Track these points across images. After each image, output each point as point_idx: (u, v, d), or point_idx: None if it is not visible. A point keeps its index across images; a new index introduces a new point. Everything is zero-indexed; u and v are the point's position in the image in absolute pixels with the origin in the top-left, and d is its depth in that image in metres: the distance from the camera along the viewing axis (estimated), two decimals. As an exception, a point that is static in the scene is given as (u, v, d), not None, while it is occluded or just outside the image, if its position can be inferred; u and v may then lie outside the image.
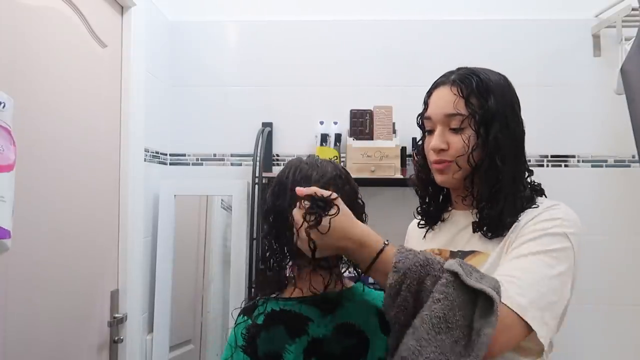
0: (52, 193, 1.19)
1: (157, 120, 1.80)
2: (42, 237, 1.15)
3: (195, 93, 1.95)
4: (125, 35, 1.55)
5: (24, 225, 1.04)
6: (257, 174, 1.73)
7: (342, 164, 1.81)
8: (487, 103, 0.88)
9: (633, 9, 1.69)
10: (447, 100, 0.91)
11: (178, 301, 1.78)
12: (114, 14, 1.51)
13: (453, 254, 0.93)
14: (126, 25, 1.55)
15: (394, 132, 1.78)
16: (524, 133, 0.93)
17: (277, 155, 1.92)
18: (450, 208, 1.01)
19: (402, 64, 1.92)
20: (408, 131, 1.84)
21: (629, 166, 1.88)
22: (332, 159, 1.75)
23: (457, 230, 0.96)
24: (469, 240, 0.92)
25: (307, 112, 1.90)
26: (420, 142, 1.01)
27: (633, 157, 1.85)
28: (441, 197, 1.03)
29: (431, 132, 0.94)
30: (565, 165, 1.89)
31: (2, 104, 0.76)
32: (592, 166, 1.89)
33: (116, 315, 1.47)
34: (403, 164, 1.79)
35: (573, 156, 1.89)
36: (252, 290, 0.95)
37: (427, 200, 1.03)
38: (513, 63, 1.90)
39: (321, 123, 1.83)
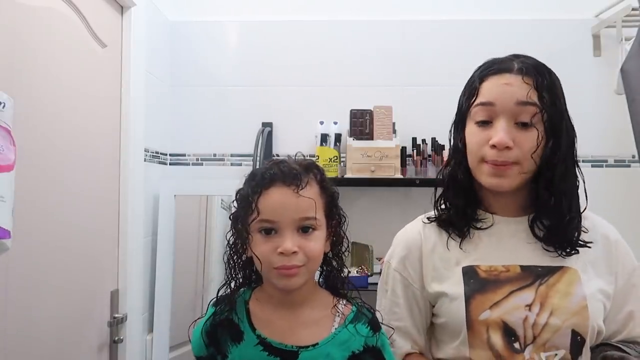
0: (52, 193, 1.19)
1: (157, 120, 1.80)
2: (42, 237, 1.15)
3: (195, 93, 1.95)
4: (125, 35, 1.55)
5: (24, 225, 1.04)
6: (257, 174, 1.73)
7: (342, 164, 1.82)
8: (558, 101, 0.79)
9: (633, 9, 1.69)
10: (518, 87, 0.77)
11: (178, 301, 1.78)
12: (114, 14, 1.51)
13: (527, 270, 0.80)
14: (126, 25, 1.55)
15: (394, 132, 1.78)
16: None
17: (277, 155, 1.92)
18: (483, 213, 0.86)
19: (402, 64, 1.92)
20: (408, 131, 1.84)
21: (629, 166, 1.88)
22: (332, 158, 1.76)
23: (515, 241, 0.83)
24: (536, 252, 0.82)
25: (307, 112, 1.90)
26: (458, 134, 0.85)
27: (633, 157, 1.85)
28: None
29: (486, 123, 0.79)
30: (565, 165, 1.89)
31: (2, 104, 0.76)
32: (592, 166, 1.89)
33: (116, 315, 1.47)
34: (403, 164, 1.79)
35: (573, 156, 1.89)
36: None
37: (458, 206, 0.86)
38: (513, 63, 1.90)
39: (321, 123, 1.83)
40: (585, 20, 1.89)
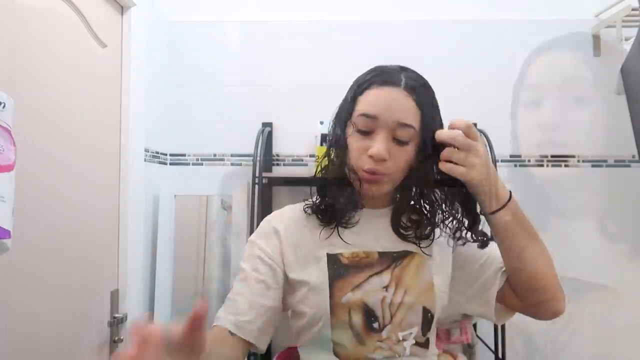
0: (52, 193, 1.19)
1: (157, 120, 1.80)
2: (42, 237, 1.15)
3: (195, 93, 1.95)
4: (125, 35, 1.55)
5: (24, 225, 1.04)
6: (257, 174, 1.73)
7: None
8: (434, 119, 0.86)
9: (633, 9, 1.69)
10: (403, 107, 0.82)
11: (178, 301, 1.78)
12: (114, 14, 1.51)
13: (384, 255, 0.88)
14: (126, 25, 1.55)
15: (394, 132, 1.78)
16: None
17: (277, 155, 1.92)
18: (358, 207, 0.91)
19: (401, 64, 1.91)
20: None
21: (629, 166, 1.88)
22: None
23: (377, 231, 0.91)
24: (393, 239, 0.90)
25: (307, 112, 1.90)
26: (336, 135, 0.89)
27: (633, 157, 1.85)
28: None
29: (366, 133, 0.84)
30: (566, 165, 1.89)
31: (2, 104, 0.76)
32: (592, 166, 1.89)
33: (116, 315, 1.47)
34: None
35: (573, 156, 1.89)
36: None
37: (332, 200, 0.89)
38: (513, 63, 1.90)
39: (321, 123, 1.83)
40: (585, 20, 1.89)
